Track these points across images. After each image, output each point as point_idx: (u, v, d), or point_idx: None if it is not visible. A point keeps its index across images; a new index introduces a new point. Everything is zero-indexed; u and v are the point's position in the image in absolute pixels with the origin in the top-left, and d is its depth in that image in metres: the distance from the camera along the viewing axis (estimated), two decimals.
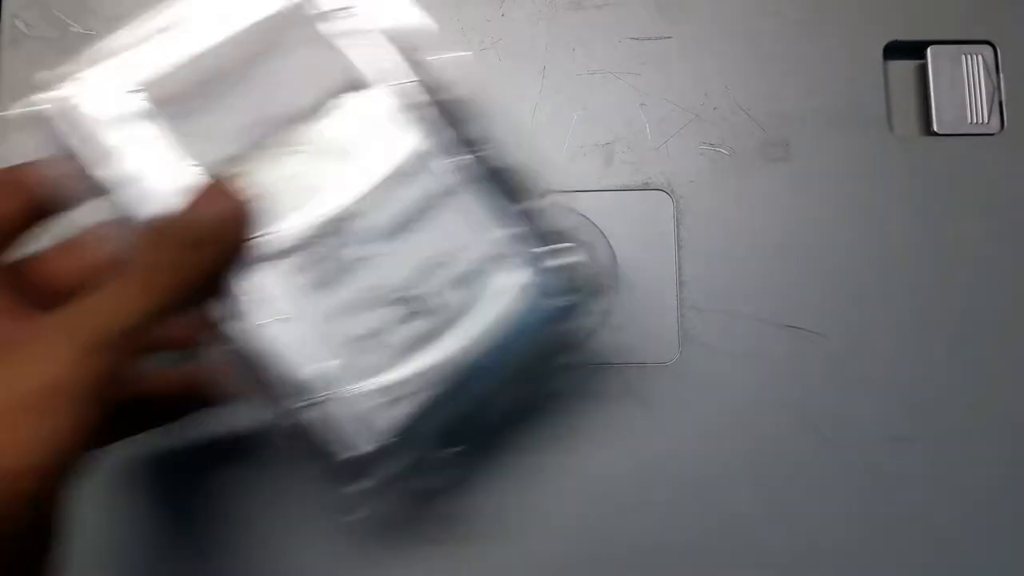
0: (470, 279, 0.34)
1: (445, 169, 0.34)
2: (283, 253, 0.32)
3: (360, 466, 0.34)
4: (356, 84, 0.34)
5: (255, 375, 0.33)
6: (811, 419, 0.43)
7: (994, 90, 0.46)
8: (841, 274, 0.44)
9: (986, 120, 0.46)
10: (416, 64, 0.34)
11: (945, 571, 0.42)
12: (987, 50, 0.46)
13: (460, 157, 0.34)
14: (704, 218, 0.44)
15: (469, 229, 0.34)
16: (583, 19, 0.46)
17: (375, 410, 0.33)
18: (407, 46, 0.35)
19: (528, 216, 0.35)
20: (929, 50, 0.46)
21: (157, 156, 0.32)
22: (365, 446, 0.33)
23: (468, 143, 0.34)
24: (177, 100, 0.33)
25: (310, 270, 0.33)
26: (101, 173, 0.32)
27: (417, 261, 0.33)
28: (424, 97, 0.34)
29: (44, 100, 0.32)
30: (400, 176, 0.33)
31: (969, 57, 0.46)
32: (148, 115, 0.33)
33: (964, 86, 0.46)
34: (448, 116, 0.34)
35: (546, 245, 0.35)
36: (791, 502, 0.42)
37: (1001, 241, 0.45)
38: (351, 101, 0.34)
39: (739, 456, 0.42)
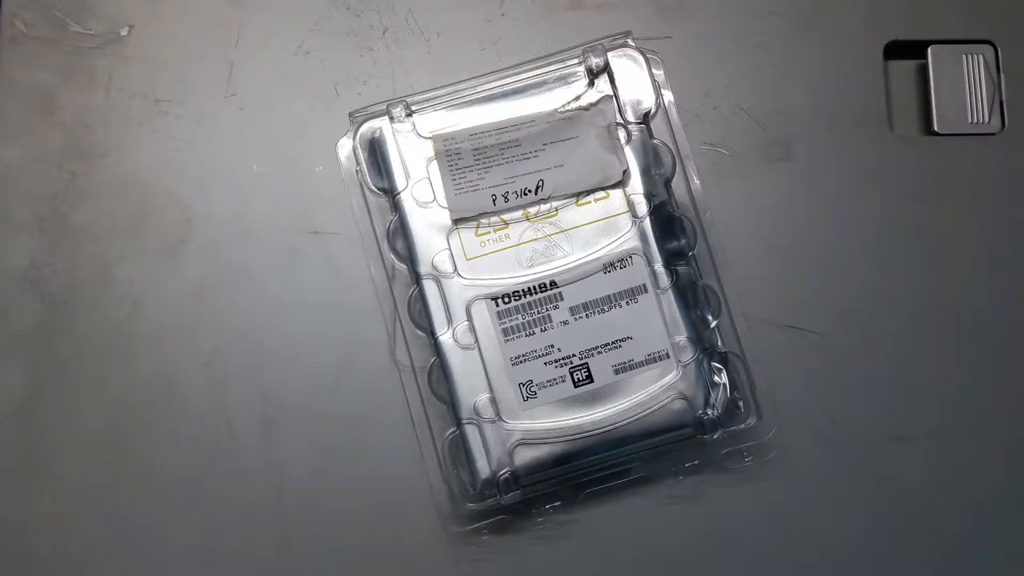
0: (632, 366, 0.40)
1: (651, 271, 0.40)
2: (501, 297, 0.40)
3: (485, 488, 0.39)
4: (609, 183, 0.41)
5: (445, 385, 0.40)
6: (811, 419, 0.43)
7: (994, 90, 0.46)
8: (841, 274, 0.44)
9: (986, 120, 0.46)
10: (652, 179, 0.41)
11: (945, 571, 0.42)
12: (987, 50, 0.46)
13: (667, 264, 0.40)
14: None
15: (650, 326, 0.40)
16: (583, 19, 0.46)
17: (519, 446, 0.39)
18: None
19: (706, 330, 0.41)
20: (929, 50, 0.46)
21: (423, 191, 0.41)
22: (499, 473, 0.39)
23: (678, 254, 0.41)
24: (458, 155, 0.41)
25: (514, 316, 0.40)
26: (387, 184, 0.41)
27: (596, 337, 0.40)
28: (653, 206, 0.41)
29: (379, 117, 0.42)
30: (610, 265, 0.40)
31: (969, 57, 0.46)
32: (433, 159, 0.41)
33: (964, 86, 0.46)
34: (669, 228, 0.41)
35: (713, 358, 0.40)
36: (791, 502, 0.42)
37: (1001, 241, 0.45)
38: (599, 195, 0.41)
39: None
